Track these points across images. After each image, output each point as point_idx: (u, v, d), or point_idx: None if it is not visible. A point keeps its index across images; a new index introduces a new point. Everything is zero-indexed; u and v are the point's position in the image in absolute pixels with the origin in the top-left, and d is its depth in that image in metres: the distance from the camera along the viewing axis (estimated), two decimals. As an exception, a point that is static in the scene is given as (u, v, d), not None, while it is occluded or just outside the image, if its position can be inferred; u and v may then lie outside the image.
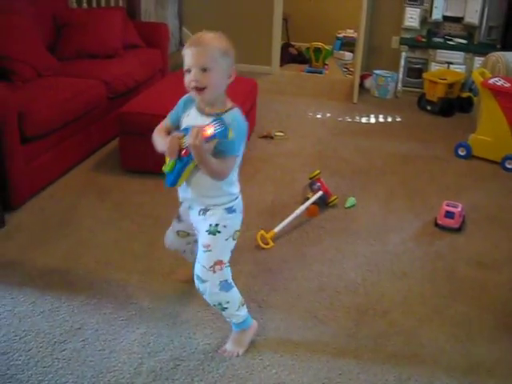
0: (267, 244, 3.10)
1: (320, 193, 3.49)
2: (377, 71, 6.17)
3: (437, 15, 6.03)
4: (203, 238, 2.18)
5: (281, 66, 7.11)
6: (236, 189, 2.24)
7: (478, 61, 5.62)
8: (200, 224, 2.21)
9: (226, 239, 2.19)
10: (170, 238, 2.54)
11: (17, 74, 3.98)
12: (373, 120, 5.37)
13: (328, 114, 5.47)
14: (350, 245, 3.18)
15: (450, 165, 4.36)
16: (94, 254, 2.99)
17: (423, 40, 6.09)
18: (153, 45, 5.26)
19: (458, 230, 3.35)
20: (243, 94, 4.25)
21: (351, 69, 7.34)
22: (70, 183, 3.78)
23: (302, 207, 3.36)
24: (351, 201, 3.61)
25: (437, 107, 5.55)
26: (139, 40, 5.19)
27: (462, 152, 4.49)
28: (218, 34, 2.03)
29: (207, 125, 1.89)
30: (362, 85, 6.17)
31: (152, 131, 3.76)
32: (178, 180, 2.09)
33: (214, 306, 2.23)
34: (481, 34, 5.93)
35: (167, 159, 2.12)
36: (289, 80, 6.79)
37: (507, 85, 4.22)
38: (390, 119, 5.40)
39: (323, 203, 3.53)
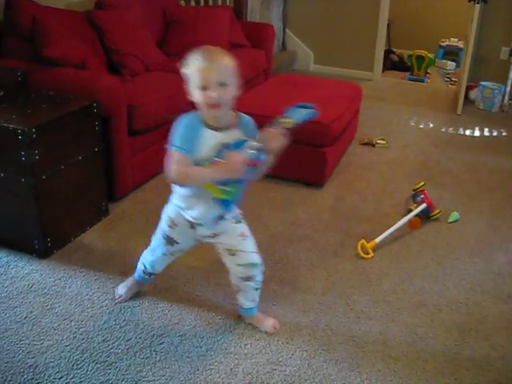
0: (367, 254, 3.04)
1: (424, 205, 3.39)
2: (483, 83, 5.96)
3: (552, 26, 5.77)
4: (237, 230, 2.27)
5: (382, 72, 7.00)
6: None
7: None
8: (221, 225, 2.23)
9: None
10: (165, 262, 2.52)
11: (126, 67, 4.08)
12: (477, 133, 5.18)
13: (431, 125, 5.32)
14: (452, 261, 3.07)
15: (560, 185, 4.15)
16: (194, 250, 3.00)
17: (535, 52, 5.85)
18: (258, 45, 5.27)
19: None
20: (348, 98, 4.19)
21: (453, 79, 7.13)
22: (171, 178, 3.83)
23: (405, 219, 3.28)
24: (454, 215, 3.48)
25: (546, 124, 5.32)
26: (245, 40, 5.21)
27: None
28: (219, 48, 2.02)
29: (279, 119, 1.97)
30: (466, 96, 5.97)
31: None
32: (237, 201, 2.11)
33: (257, 286, 2.39)
34: None
35: (213, 188, 2.04)
36: (390, 87, 6.67)
37: None
38: (495, 133, 5.20)
39: (425, 216, 3.43)
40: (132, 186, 3.55)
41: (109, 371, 2.19)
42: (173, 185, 2.12)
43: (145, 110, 3.50)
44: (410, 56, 7.26)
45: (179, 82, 3.94)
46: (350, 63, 6.81)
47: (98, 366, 2.21)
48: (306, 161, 3.72)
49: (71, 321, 2.45)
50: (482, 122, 5.48)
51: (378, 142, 4.59)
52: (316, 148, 3.67)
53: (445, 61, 7.77)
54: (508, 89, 5.93)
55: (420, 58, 7.11)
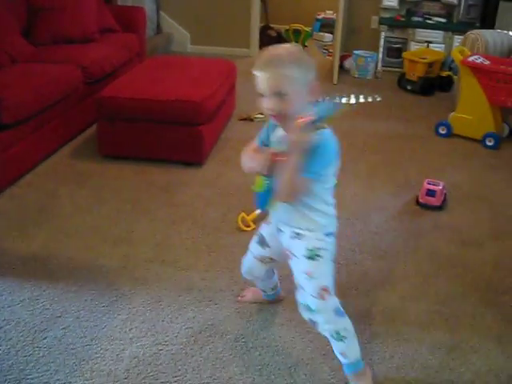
0: (248, 226, 3.08)
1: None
2: (356, 52, 6.14)
3: (416, -6, 6.01)
4: (302, 265, 1.96)
5: (260, 49, 7.05)
6: (332, 209, 1.97)
7: (458, 39, 5.58)
8: (294, 247, 1.98)
9: (327, 264, 1.97)
10: (250, 265, 2.27)
11: (-10, 60, 3.92)
12: (353, 100, 5.29)
13: (308, 95, 5.41)
14: (332, 225, 3.16)
15: (430, 143, 4.37)
16: (74, 240, 2.96)
17: (402, 19, 6.08)
18: (130, 29, 5.19)
19: (440, 208, 3.35)
20: (221, 76, 4.20)
21: (331, 50, 7.28)
22: (48, 170, 3.73)
23: (283, 189, 3.34)
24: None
25: (417, 86, 5.55)
26: (115, 24, 5.10)
27: (442, 131, 4.49)
28: (288, 47, 1.83)
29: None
30: (341, 66, 6.14)
31: (131, 116, 3.75)
32: (269, 200, 1.89)
33: (332, 336, 2.00)
34: (460, 12, 5.93)
35: (257, 179, 1.90)
36: (268, 62, 6.71)
37: (486, 62, 4.22)
38: (370, 99, 5.33)
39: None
40: (6, 182, 3.42)
41: (-11, 374, 2.13)
42: None
43: (12, 102, 3.38)
44: (287, 31, 7.37)
45: (48, 71, 3.89)
46: (227, 41, 6.81)
47: (-22, 369, 2.15)
48: (183, 140, 3.70)
49: None
50: (357, 89, 5.64)
51: (256, 116, 4.63)
52: (192, 127, 3.67)
53: (322, 33, 7.94)
54: (380, 56, 6.14)
55: (297, 32, 7.24)
